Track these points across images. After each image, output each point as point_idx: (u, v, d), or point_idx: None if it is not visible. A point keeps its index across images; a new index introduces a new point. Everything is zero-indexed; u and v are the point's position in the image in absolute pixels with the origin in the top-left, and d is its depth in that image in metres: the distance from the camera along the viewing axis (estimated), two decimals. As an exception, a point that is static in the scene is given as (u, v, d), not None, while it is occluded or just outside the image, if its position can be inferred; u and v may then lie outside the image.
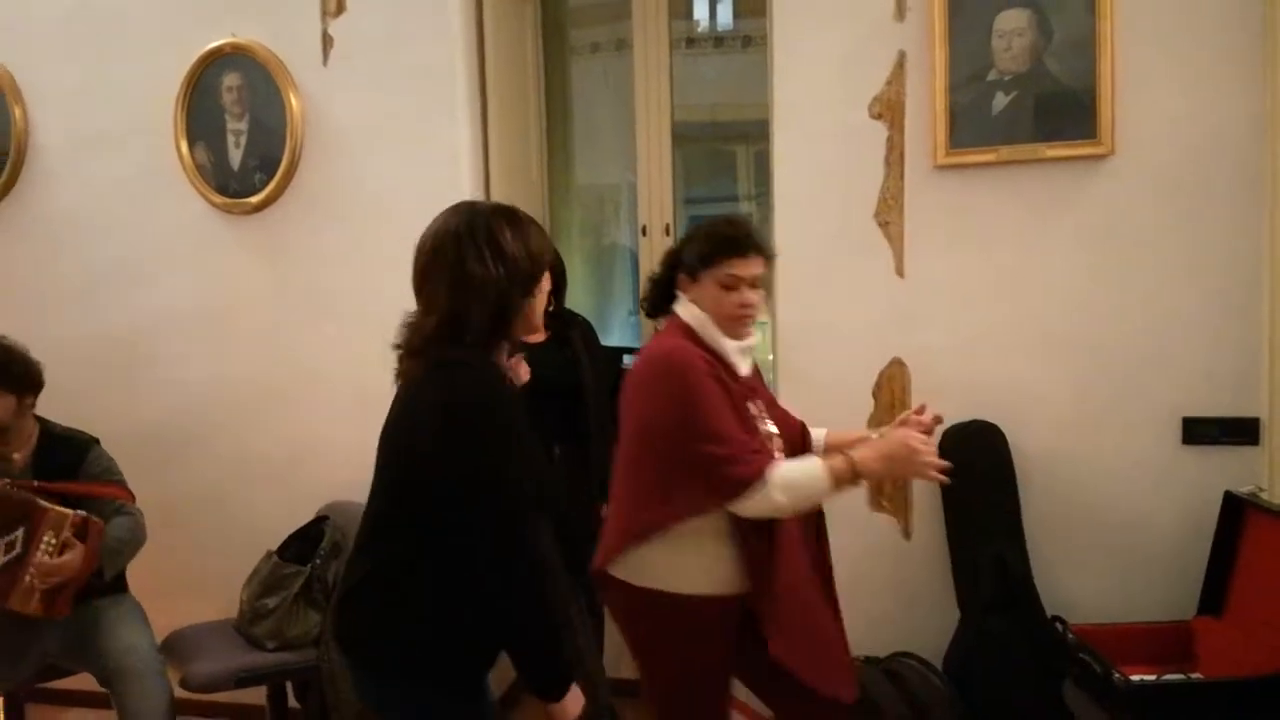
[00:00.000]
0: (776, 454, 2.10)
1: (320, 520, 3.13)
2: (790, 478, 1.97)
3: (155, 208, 3.42)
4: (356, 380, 3.29)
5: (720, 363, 2.10)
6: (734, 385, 2.08)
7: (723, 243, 2.10)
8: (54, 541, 2.64)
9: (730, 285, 2.09)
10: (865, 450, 1.99)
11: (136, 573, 2.98)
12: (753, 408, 2.13)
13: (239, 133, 3.35)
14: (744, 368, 2.17)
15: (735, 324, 2.13)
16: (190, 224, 3.41)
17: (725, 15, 4.95)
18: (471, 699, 1.84)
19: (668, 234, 3.63)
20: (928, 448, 1.97)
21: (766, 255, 2.14)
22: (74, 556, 2.65)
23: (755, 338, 2.20)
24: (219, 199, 3.36)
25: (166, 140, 3.37)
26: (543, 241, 1.86)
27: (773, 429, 2.18)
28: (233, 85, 3.32)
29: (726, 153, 5.61)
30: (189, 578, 3.36)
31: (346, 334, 3.32)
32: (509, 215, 1.83)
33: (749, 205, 5.50)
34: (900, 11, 2.84)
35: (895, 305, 2.91)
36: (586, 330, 3.15)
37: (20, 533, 2.64)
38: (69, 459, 2.85)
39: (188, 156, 3.37)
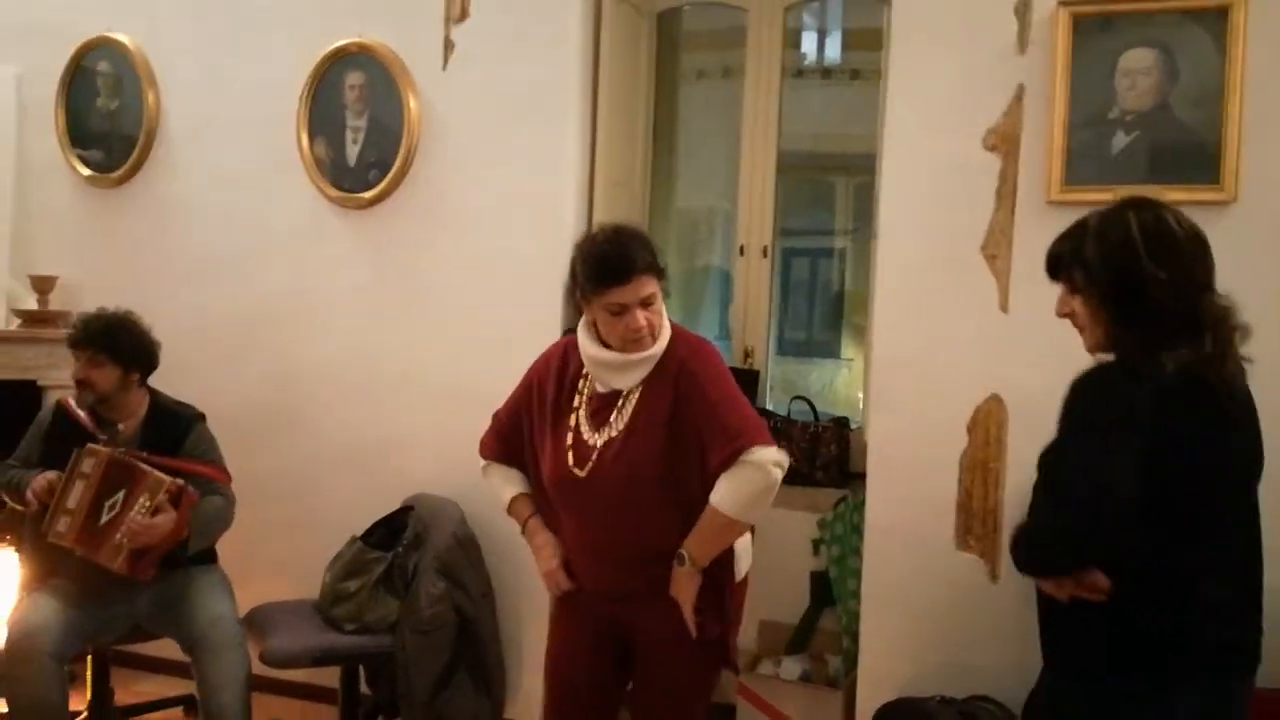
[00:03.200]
0: (572, 463, 2.15)
1: (405, 510, 3.19)
2: (493, 478, 2.38)
3: (273, 197, 3.55)
4: (448, 377, 3.36)
5: (568, 369, 2.22)
6: (563, 388, 2.21)
7: (601, 273, 2.07)
8: (148, 504, 2.72)
9: (617, 312, 2.08)
10: (535, 523, 2.29)
11: (226, 547, 3.07)
12: (582, 414, 2.18)
13: (358, 130, 3.46)
14: (617, 382, 2.15)
15: (631, 346, 2.11)
16: (304, 215, 3.53)
17: (834, 49, 4.98)
18: None
19: (765, 255, 3.62)
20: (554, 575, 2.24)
21: (655, 272, 2.11)
22: (165, 520, 2.72)
23: (646, 352, 2.12)
24: (334, 192, 3.47)
25: (289, 133, 3.49)
26: None
27: (595, 440, 2.14)
28: (355, 84, 3.44)
29: (826, 183, 5.61)
30: (275, 556, 3.44)
31: (442, 332, 3.39)
32: None
33: (844, 239, 5.49)
34: (1022, 44, 2.81)
35: (997, 340, 2.85)
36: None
37: (121, 495, 2.74)
38: (174, 432, 2.95)
39: (307, 150, 3.49)
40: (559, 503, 2.22)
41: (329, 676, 3.07)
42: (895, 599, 2.95)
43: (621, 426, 2.12)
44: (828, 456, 3.39)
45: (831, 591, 3.18)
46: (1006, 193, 2.83)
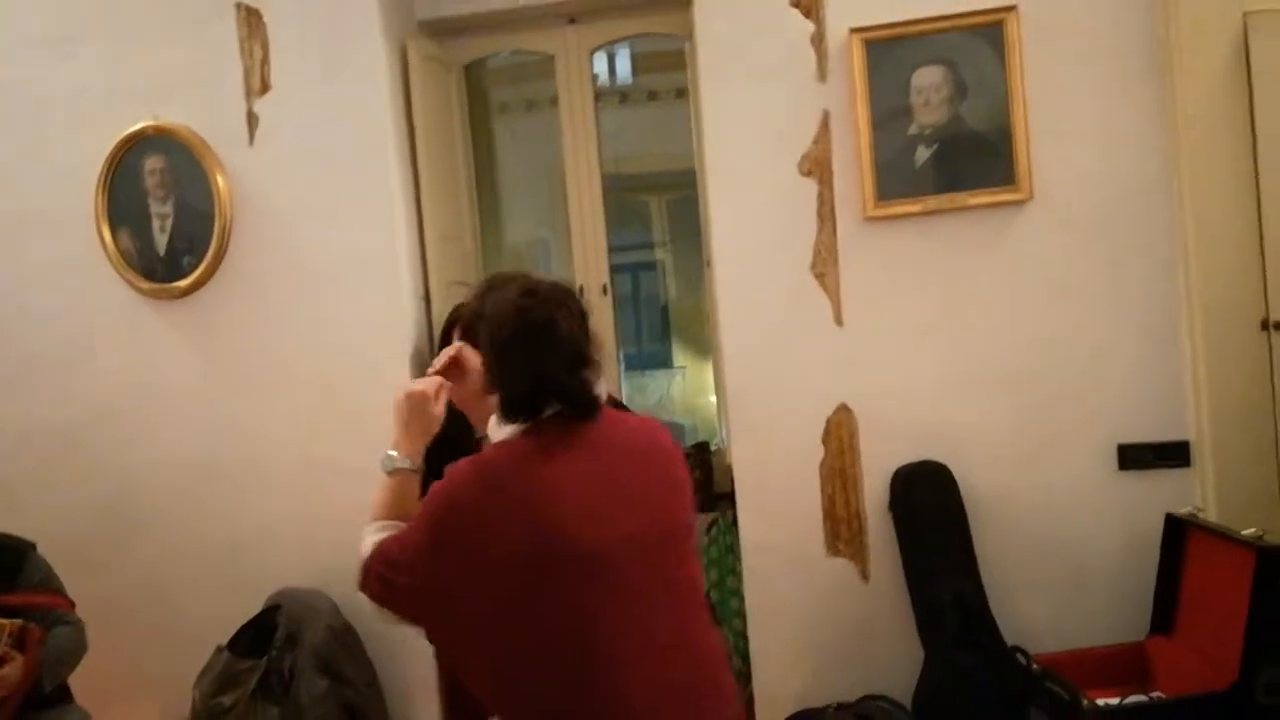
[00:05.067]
0: None
1: (272, 609, 3.05)
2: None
3: (79, 295, 3.31)
4: (300, 460, 3.23)
5: None
6: None
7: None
8: None
9: None
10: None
11: (80, 677, 2.84)
12: None
13: (164, 216, 3.27)
14: None
15: None
16: (117, 311, 3.30)
17: (624, 69, 5.07)
18: None
19: (605, 293, 3.65)
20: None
21: None
22: (13, 669, 2.51)
23: None
24: (146, 285, 3.28)
25: (87, 226, 3.27)
26: None
27: None
28: (155, 168, 3.25)
29: (638, 202, 5.72)
30: (136, 679, 3.21)
31: (286, 412, 3.25)
32: None
33: (664, 251, 5.62)
34: (822, 72, 2.95)
35: (837, 353, 2.99)
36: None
37: None
38: (4, 566, 2.72)
39: (110, 243, 3.28)
40: None
41: (215, 798, 2.91)
42: (778, 613, 3.04)
43: None
44: (694, 482, 3.44)
45: (715, 614, 3.25)
46: (826, 214, 2.97)
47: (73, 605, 2.80)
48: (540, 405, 1.64)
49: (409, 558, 1.61)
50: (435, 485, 1.62)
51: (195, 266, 3.25)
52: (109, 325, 3.33)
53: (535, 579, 1.53)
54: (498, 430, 1.67)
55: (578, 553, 1.54)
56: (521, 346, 1.64)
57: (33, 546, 2.81)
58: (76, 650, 2.74)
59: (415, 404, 1.80)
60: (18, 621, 2.56)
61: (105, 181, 3.27)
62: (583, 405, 1.66)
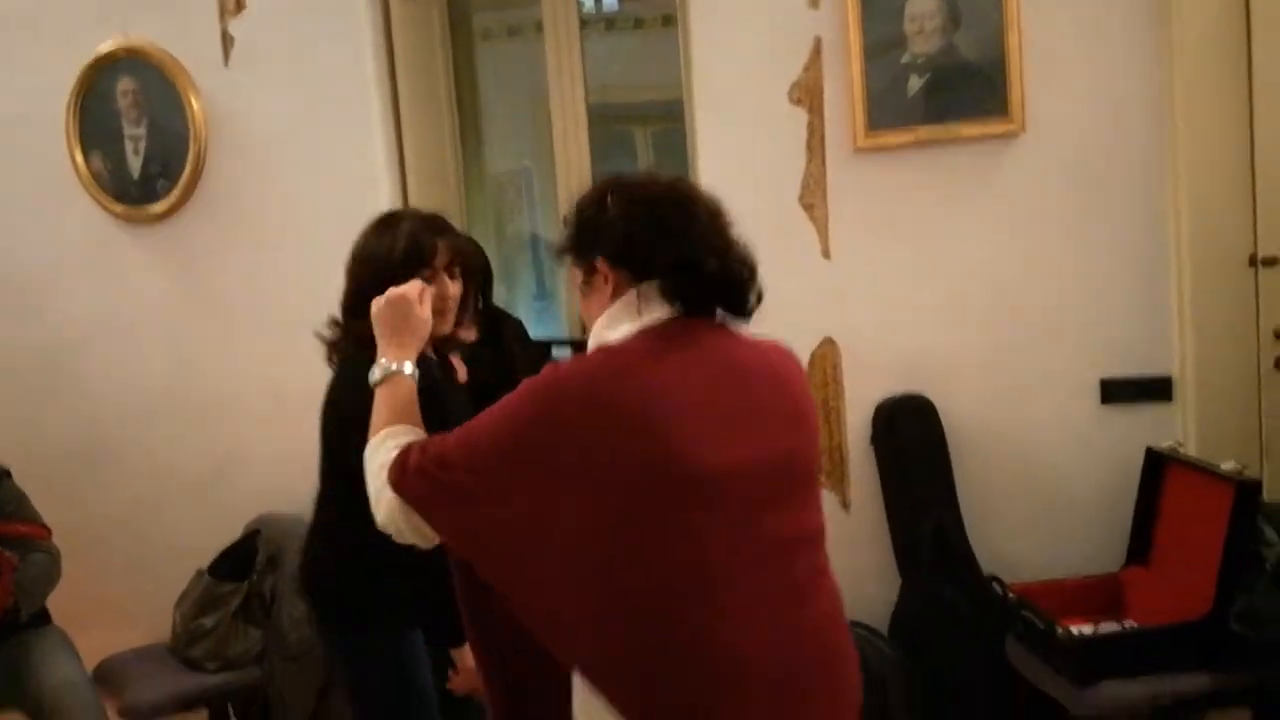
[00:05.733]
0: None
1: (252, 535, 3.05)
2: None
3: (54, 220, 3.27)
4: (275, 387, 3.20)
5: None
6: None
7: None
8: None
9: None
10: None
11: (58, 601, 2.86)
12: None
13: (137, 138, 3.20)
14: None
15: None
16: (89, 235, 3.26)
17: (610, -4, 4.94)
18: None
19: (589, 224, 3.59)
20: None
21: None
22: None
23: None
24: (119, 208, 3.22)
25: (59, 149, 3.20)
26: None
27: None
28: (128, 89, 3.18)
29: (624, 133, 5.63)
30: (114, 602, 3.22)
31: (262, 341, 3.22)
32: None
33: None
34: (814, -2, 2.89)
35: (823, 286, 2.96)
36: (518, 328, 3.13)
37: None
38: None
39: (83, 165, 3.21)
40: None
41: (195, 718, 2.93)
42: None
43: None
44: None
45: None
46: (816, 144, 2.92)
47: (49, 532, 2.80)
48: (691, 293, 1.45)
49: (475, 459, 1.38)
50: (529, 382, 1.38)
51: (169, 190, 3.20)
52: (85, 250, 3.29)
53: (642, 503, 1.31)
54: (607, 331, 1.45)
55: (694, 476, 1.32)
56: (692, 222, 1.46)
57: (6, 474, 2.81)
58: (51, 577, 2.76)
59: (397, 307, 1.71)
60: None
61: (76, 102, 3.20)
62: (735, 298, 1.49)
